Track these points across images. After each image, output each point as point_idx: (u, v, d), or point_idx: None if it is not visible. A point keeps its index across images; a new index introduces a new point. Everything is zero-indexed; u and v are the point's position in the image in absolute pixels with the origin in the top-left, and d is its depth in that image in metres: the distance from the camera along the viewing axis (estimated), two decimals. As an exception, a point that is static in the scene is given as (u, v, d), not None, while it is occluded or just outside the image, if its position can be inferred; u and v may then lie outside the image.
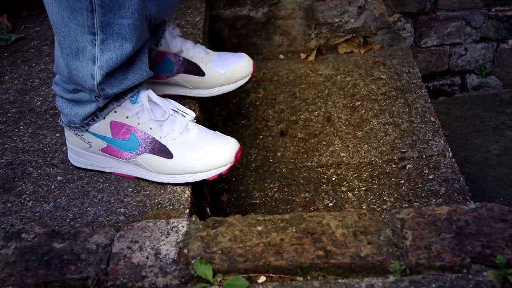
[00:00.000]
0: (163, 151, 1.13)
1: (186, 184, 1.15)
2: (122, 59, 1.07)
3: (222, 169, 1.15)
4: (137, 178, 1.17)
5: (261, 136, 1.59)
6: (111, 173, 1.19)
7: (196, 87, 1.34)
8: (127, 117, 1.13)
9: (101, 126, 1.14)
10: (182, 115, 1.16)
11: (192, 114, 1.17)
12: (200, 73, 1.32)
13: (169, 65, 1.31)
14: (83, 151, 1.18)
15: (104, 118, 1.13)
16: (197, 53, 1.32)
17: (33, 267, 0.93)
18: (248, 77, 1.37)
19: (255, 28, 1.90)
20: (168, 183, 1.15)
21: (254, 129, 1.62)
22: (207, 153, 1.13)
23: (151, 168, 1.14)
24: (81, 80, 1.07)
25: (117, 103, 1.13)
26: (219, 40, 1.91)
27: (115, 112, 1.13)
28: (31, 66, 1.55)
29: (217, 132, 1.20)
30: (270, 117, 1.65)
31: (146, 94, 1.14)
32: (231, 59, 1.35)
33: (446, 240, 0.92)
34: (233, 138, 1.17)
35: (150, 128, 1.13)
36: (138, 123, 1.13)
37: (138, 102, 1.13)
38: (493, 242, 0.91)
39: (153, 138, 1.13)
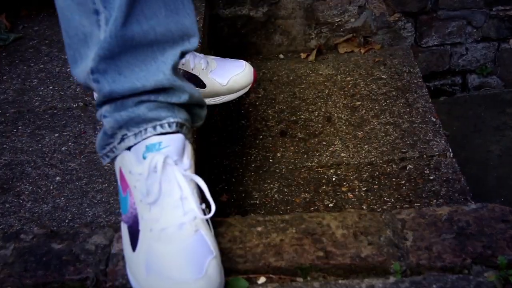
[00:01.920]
0: (135, 236, 0.87)
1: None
2: (126, 41, 0.85)
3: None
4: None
5: (261, 136, 1.59)
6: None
7: None
8: (128, 173, 0.90)
9: (116, 164, 0.95)
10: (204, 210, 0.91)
11: (212, 210, 0.90)
12: (201, 84, 1.32)
13: None
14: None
15: (120, 153, 0.92)
16: (198, 65, 1.31)
17: (31, 268, 0.92)
18: (249, 86, 1.37)
19: (255, 28, 1.89)
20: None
21: (253, 129, 1.62)
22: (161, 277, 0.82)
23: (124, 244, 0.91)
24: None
25: (134, 137, 0.89)
26: (219, 40, 1.90)
27: (123, 158, 0.91)
28: (29, 66, 1.55)
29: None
30: (270, 117, 1.65)
31: (159, 156, 0.86)
32: (232, 69, 1.35)
33: (447, 240, 0.92)
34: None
35: (140, 201, 0.87)
36: (135, 187, 0.88)
37: (145, 159, 0.87)
38: (494, 242, 0.91)
39: (136, 214, 0.89)
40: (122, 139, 0.90)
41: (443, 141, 1.50)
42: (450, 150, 1.47)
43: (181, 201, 0.86)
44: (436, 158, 1.46)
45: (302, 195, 1.40)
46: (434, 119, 1.57)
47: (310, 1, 1.85)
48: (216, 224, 0.98)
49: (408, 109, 1.61)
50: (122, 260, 0.93)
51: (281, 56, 1.92)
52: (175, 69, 0.90)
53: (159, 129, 0.89)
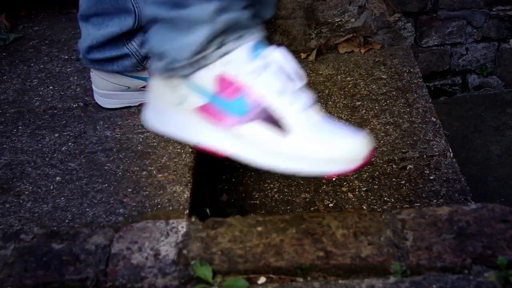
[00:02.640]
0: (278, 125, 0.90)
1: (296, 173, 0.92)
2: None
3: (347, 167, 0.90)
4: (230, 156, 0.93)
5: (261, 136, 1.59)
6: (193, 146, 0.98)
7: None
8: (241, 74, 0.90)
9: (207, 75, 0.91)
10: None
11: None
12: None
13: None
14: (170, 109, 0.95)
15: (216, 61, 0.89)
16: None
17: (31, 268, 0.92)
18: None
19: (255, 28, 1.89)
20: (275, 169, 0.91)
21: (254, 129, 1.62)
22: (338, 141, 0.89)
23: (256, 143, 0.91)
24: None
25: (234, 42, 0.89)
26: (219, 40, 1.90)
27: (227, 63, 0.89)
28: (29, 66, 1.55)
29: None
30: (270, 117, 1.65)
31: (278, 52, 0.92)
32: None
33: (447, 240, 0.92)
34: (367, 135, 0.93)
35: (269, 95, 0.90)
36: (255, 85, 0.89)
37: (258, 59, 0.90)
38: (494, 242, 0.91)
39: (269, 106, 0.90)
40: (220, 46, 0.89)
41: (443, 141, 1.50)
42: (450, 150, 1.47)
43: (303, 87, 0.92)
44: (436, 158, 1.46)
45: (302, 195, 1.40)
46: (434, 119, 1.57)
47: (310, 1, 1.85)
48: (217, 224, 0.98)
49: (408, 109, 1.61)
50: (122, 260, 0.93)
51: (281, 56, 1.92)
52: None
53: (258, 36, 0.93)
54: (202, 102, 0.92)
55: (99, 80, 1.31)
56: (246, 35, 0.91)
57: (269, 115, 0.90)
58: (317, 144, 0.89)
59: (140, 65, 1.28)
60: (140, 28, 1.24)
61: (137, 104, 1.34)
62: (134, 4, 1.19)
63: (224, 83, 0.90)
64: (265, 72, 0.90)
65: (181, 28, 0.87)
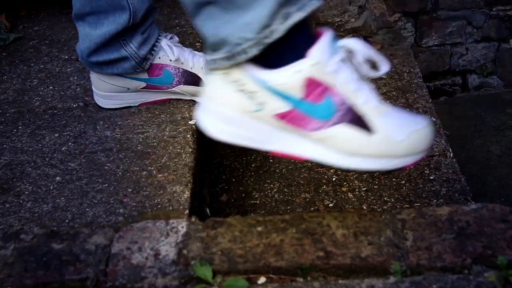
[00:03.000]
0: (361, 124, 0.87)
1: (375, 171, 0.93)
2: None
3: (423, 154, 0.90)
4: (309, 160, 0.89)
5: (261, 136, 1.59)
6: (267, 152, 0.90)
7: (196, 96, 1.34)
8: (325, 73, 0.84)
9: (293, 81, 0.84)
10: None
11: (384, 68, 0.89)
12: (200, 83, 1.32)
13: (168, 78, 1.31)
14: (240, 116, 0.87)
15: (301, 62, 0.82)
16: (197, 63, 1.32)
17: (31, 268, 0.92)
18: None
19: (255, 28, 1.89)
20: (357, 169, 0.90)
21: (254, 129, 1.62)
22: (414, 132, 0.89)
23: (339, 146, 0.88)
24: None
25: (299, 12, 0.81)
26: (219, 40, 1.90)
27: (315, 64, 0.83)
28: (29, 66, 1.55)
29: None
30: (270, 117, 1.65)
31: (352, 42, 0.86)
32: None
33: (447, 240, 0.92)
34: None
35: (349, 91, 0.85)
36: (337, 83, 0.85)
37: (337, 54, 0.84)
38: (494, 242, 0.91)
39: (352, 105, 0.86)
40: (286, 17, 0.80)
41: (443, 141, 1.50)
42: (450, 150, 1.47)
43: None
44: (436, 158, 1.46)
45: (302, 195, 1.40)
46: (434, 119, 1.57)
47: (310, 1, 1.85)
48: (217, 224, 0.98)
49: (408, 109, 1.61)
50: (122, 260, 0.93)
51: (281, 56, 1.92)
52: None
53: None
54: (285, 108, 0.86)
55: (98, 82, 1.31)
56: (309, 1, 0.82)
57: (354, 115, 0.87)
58: (399, 142, 0.88)
59: (139, 67, 1.28)
60: (136, 27, 1.24)
61: (137, 104, 1.34)
62: (129, 0, 1.19)
63: (312, 86, 0.84)
64: (344, 67, 0.85)
65: (239, 5, 0.79)
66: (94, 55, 1.25)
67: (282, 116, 0.86)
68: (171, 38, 1.32)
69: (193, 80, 1.31)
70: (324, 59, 0.83)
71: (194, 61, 1.31)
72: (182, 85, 1.31)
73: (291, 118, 0.86)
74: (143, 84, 1.31)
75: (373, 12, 1.87)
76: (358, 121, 0.87)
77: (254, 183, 1.46)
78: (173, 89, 1.32)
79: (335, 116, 0.86)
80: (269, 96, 0.84)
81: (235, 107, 0.86)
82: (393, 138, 0.88)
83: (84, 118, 1.34)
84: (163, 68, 1.29)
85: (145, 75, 1.29)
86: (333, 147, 0.88)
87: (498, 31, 1.93)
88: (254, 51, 0.82)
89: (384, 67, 0.89)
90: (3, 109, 1.39)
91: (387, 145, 0.88)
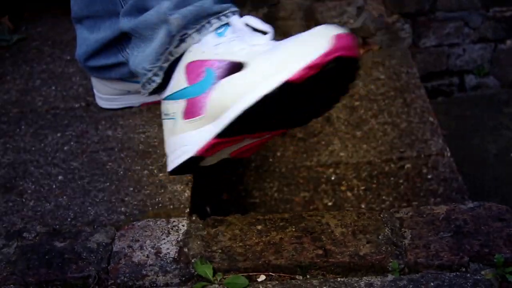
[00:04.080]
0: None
1: None
2: None
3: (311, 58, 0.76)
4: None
5: (260, 136, 1.60)
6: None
7: None
8: (203, 52, 0.85)
9: (176, 77, 0.86)
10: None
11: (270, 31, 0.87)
12: None
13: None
14: (177, 137, 0.89)
15: (181, 57, 0.86)
16: None
17: (34, 266, 0.93)
18: None
19: (254, 29, 1.90)
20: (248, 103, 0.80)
21: (253, 129, 1.62)
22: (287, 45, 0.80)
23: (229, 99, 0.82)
24: None
25: (197, 33, 0.85)
26: (219, 41, 1.91)
27: (190, 52, 0.85)
28: (32, 67, 1.55)
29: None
30: (270, 117, 1.65)
31: (243, 21, 0.86)
32: None
33: (444, 239, 0.92)
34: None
35: (231, 53, 0.83)
36: (216, 53, 0.84)
37: (225, 36, 0.86)
38: (491, 241, 0.91)
39: (230, 60, 0.83)
40: (182, 40, 0.85)
41: (440, 141, 1.51)
42: (448, 150, 1.48)
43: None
44: (434, 157, 1.47)
45: (302, 194, 1.41)
46: (432, 119, 1.58)
47: (310, 3, 1.86)
48: (217, 222, 0.99)
49: (406, 109, 1.62)
50: (124, 258, 0.94)
51: (281, 56, 1.92)
52: None
53: (224, 19, 0.86)
54: (183, 105, 0.85)
55: (99, 85, 1.32)
56: (209, 23, 0.86)
57: (233, 66, 0.82)
58: (269, 59, 0.79)
59: None
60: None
61: (138, 104, 1.35)
62: (124, 7, 1.20)
63: (193, 69, 0.85)
64: (228, 41, 0.84)
65: (146, 36, 0.85)
66: (91, 60, 1.25)
67: (187, 114, 0.85)
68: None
69: None
70: (200, 48, 0.85)
71: None
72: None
73: (190, 110, 0.85)
74: None
75: (372, 13, 1.88)
76: (237, 67, 0.81)
77: (254, 182, 1.46)
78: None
79: (216, 78, 0.82)
80: (171, 103, 0.87)
81: (168, 134, 0.89)
82: (263, 61, 0.79)
83: (86, 118, 1.34)
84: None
85: None
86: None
87: (494, 32, 1.93)
88: (160, 76, 0.88)
89: (268, 29, 0.87)
90: (6, 109, 1.39)
91: (260, 70, 0.78)
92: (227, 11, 0.88)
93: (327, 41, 0.74)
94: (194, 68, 0.84)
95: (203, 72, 0.83)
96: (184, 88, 0.84)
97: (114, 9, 1.15)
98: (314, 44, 0.75)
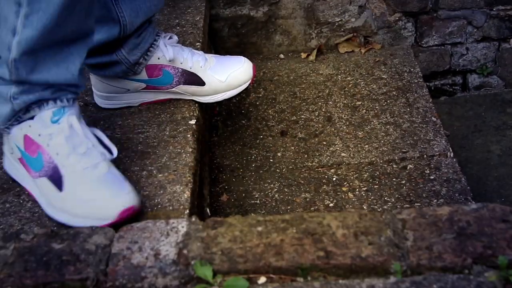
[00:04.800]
0: (57, 181, 1.06)
1: None
2: (45, 42, 1.00)
3: (99, 223, 1.02)
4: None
5: (261, 136, 1.59)
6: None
7: (196, 95, 1.34)
8: (39, 135, 1.07)
9: (18, 135, 1.09)
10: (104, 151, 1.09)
11: (115, 153, 1.10)
12: (200, 82, 1.32)
13: (168, 78, 1.31)
14: (9, 156, 1.15)
15: (19, 124, 1.08)
16: (196, 63, 1.31)
17: (32, 268, 0.92)
18: (249, 82, 1.37)
19: (255, 28, 1.89)
20: (54, 218, 1.07)
21: (254, 129, 1.62)
22: (92, 202, 1.04)
23: (45, 194, 1.08)
24: None
25: (37, 109, 1.06)
26: (219, 40, 1.90)
27: (30, 126, 1.07)
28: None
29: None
30: (271, 117, 1.65)
31: (71, 119, 1.07)
32: (230, 65, 1.34)
33: (447, 240, 0.92)
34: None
35: (57, 154, 1.06)
36: (49, 145, 1.06)
37: (59, 124, 1.06)
38: (495, 242, 0.91)
39: (57, 165, 1.06)
40: (28, 110, 1.06)
41: (443, 141, 1.50)
42: (451, 150, 1.47)
43: (94, 148, 1.07)
44: (437, 158, 1.46)
45: (303, 195, 1.40)
46: (435, 119, 1.57)
47: (311, 1, 1.85)
48: (217, 224, 0.98)
49: (408, 109, 1.62)
50: (123, 260, 0.93)
51: (282, 56, 1.92)
52: (81, 69, 1.09)
53: (59, 103, 1.07)
54: (19, 155, 1.10)
55: (98, 83, 1.31)
56: (51, 102, 1.06)
57: (55, 172, 1.05)
58: (78, 201, 1.03)
59: (131, 71, 1.27)
60: (128, 37, 1.23)
61: (137, 104, 1.34)
62: (119, 14, 1.19)
63: (29, 142, 1.07)
64: (59, 135, 1.05)
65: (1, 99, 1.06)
66: (87, 58, 1.25)
67: (20, 161, 1.10)
68: (170, 38, 1.32)
69: (193, 79, 1.31)
70: (39, 124, 1.06)
71: (193, 61, 1.31)
72: (182, 85, 1.31)
73: (24, 163, 1.10)
74: (143, 85, 1.31)
75: (374, 11, 1.87)
76: (56, 178, 1.05)
77: (254, 183, 1.46)
78: (173, 89, 1.32)
79: (42, 170, 1.06)
80: (13, 143, 1.10)
81: (6, 148, 1.15)
82: (80, 197, 1.03)
83: (84, 118, 1.33)
84: (162, 68, 1.29)
85: (145, 76, 1.29)
86: (43, 195, 1.07)
87: (498, 31, 1.93)
88: (8, 131, 1.10)
89: (114, 150, 1.10)
90: (4, 109, 1.39)
91: (71, 204, 1.04)
92: (63, 97, 1.08)
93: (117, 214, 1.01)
94: (29, 143, 1.07)
95: (36, 153, 1.07)
96: (22, 150, 1.09)
97: (110, 15, 1.19)
98: (105, 215, 1.01)
